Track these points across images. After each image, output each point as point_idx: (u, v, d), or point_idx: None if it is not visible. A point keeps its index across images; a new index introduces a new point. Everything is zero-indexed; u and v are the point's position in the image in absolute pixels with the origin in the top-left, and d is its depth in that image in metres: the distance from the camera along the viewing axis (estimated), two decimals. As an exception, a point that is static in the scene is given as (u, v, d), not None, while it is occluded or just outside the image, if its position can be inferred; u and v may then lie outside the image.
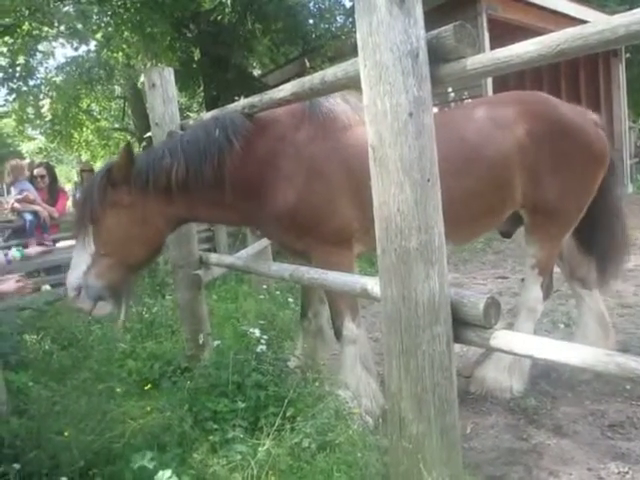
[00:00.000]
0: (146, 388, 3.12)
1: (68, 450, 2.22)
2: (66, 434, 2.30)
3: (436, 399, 1.84)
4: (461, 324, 1.91)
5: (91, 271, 2.78)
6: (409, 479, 1.87)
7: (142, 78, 9.96)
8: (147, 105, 3.73)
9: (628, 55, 15.45)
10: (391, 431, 1.93)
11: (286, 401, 2.44)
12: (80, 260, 2.81)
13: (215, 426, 2.47)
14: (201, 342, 3.37)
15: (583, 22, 9.19)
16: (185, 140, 2.89)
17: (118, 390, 2.98)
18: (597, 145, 3.25)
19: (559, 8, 10.59)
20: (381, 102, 1.76)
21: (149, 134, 3.67)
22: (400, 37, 1.72)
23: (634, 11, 1.41)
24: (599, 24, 1.49)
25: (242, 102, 2.98)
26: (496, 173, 3.04)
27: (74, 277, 2.80)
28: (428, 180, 1.78)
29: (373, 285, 2.11)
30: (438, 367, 1.83)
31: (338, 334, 3.07)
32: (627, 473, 2.51)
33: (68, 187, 13.94)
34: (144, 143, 14.06)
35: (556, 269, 3.64)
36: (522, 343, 1.79)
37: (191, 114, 15.66)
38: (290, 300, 4.84)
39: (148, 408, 2.71)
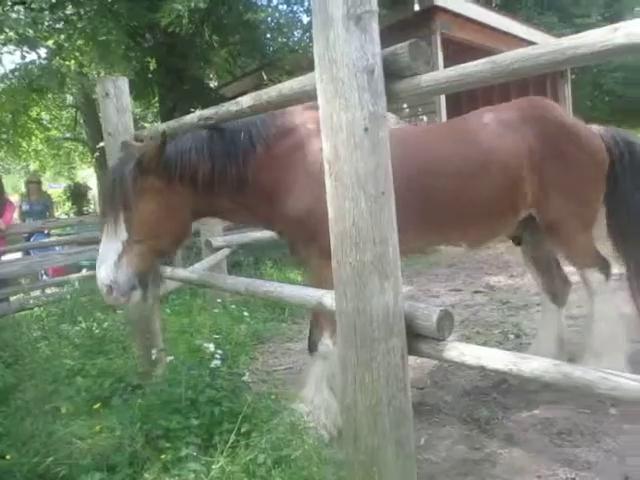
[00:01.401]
0: (95, 407, 3.01)
1: (11, 474, 2.13)
2: (8, 457, 2.21)
3: (391, 411, 1.85)
4: (415, 336, 1.93)
5: (122, 260, 2.71)
6: (365, 492, 1.87)
7: (96, 87, 9.79)
8: (100, 115, 3.67)
9: (574, 76, 16.06)
10: (346, 444, 1.93)
11: (241, 417, 2.41)
12: (109, 250, 2.73)
13: (167, 444, 2.42)
14: (154, 358, 3.30)
15: (532, 43, 9.57)
16: (211, 138, 2.94)
17: (65, 409, 2.88)
18: (598, 148, 3.34)
19: (510, 29, 10.96)
20: (337, 117, 1.78)
21: (102, 144, 3.61)
22: (356, 53, 1.74)
23: (581, 34, 1.47)
24: (549, 46, 1.54)
25: (198, 114, 2.96)
26: (508, 175, 3.12)
27: (107, 270, 2.70)
28: (383, 193, 1.80)
29: (328, 298, 2.12)
30: (393, 379, 1.85)
31: (313, 347, 3.08)
32: (574, 479, 2.57)
33: (15, 198, 13.53)
34: (97, 153, 13.79)
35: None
36: (474, 355, 1.82)
37: (146, 124, 15.45)
38: (245, 314, 4.80)
39: (97, 427, 2.63)
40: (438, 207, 3.05)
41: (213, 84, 14.33)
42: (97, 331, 4.30)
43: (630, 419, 3.07)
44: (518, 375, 1.72)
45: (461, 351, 1.85)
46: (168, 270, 3.57)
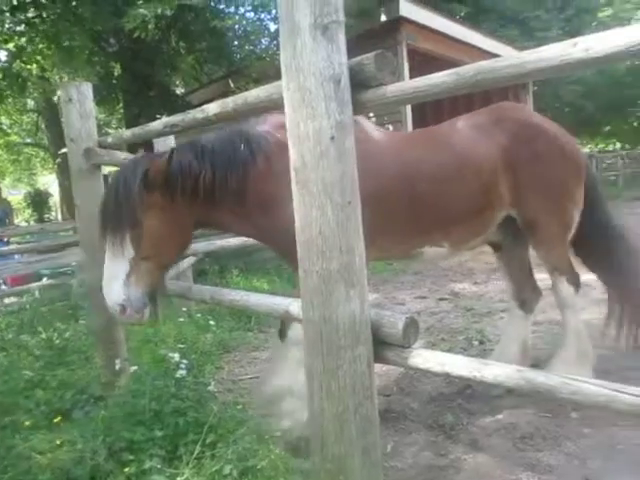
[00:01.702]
0: (56, 420, 2.94)
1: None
2: (-37, 474, 2.14)
3: (357, 419, 1.86)
4: (381, 344, 1.94)
5: (131, 278, 2.68)
6: (331, 501, 1.87)
7: (58, 92, 9.62)
8: (63, 120, 3.61)
9: (535, 88, 16.46)
10: (313, 453, 1.93)
11: (206, 427, 2.38)
12: (117, 269, 2.68)
13: (131, 457, 2.36)
14: (117, 368, 3.23)
15: (495, 55, 9.75)
16: (212, 148, 2.90)
17: (25, 423, 2.80)
18: (574, 150, 3.49)
19: (473, 41, 11.18)
20: (304, 125, 1.79)
21: (64, 150, 3.55)
22: (323, 62, 1.75)
23: (542, 48, 1.51)
24: (511, 59, 1.58)
25: (164, 120, 2.93)
26: (482, 175, 3.23)
27: (118, 289, 2.66)
28: (349, 202, 1.81)
29: (295, 307, 2.12)
30: (359, 387, 1.85)
31: (283, 335, 3.06)
32: (537, 483, 2.62)
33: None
34: (58, 160, 13.54)
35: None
36: (439, 361, 1.84)
37: (110, 130, 15.24)
38: (211, 323, 4.76)
39: (58, 441, 2.55)
40: (422, 208, 3.15)
41: (179, 91, 14.24)
42: (58, 341, 4.19)
43: (590, 423, 3.14)
44: (482, 381, 1.75)
45: (426, 358, 1.87)
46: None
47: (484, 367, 1.75)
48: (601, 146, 37.52)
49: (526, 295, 3.81)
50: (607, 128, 32.67)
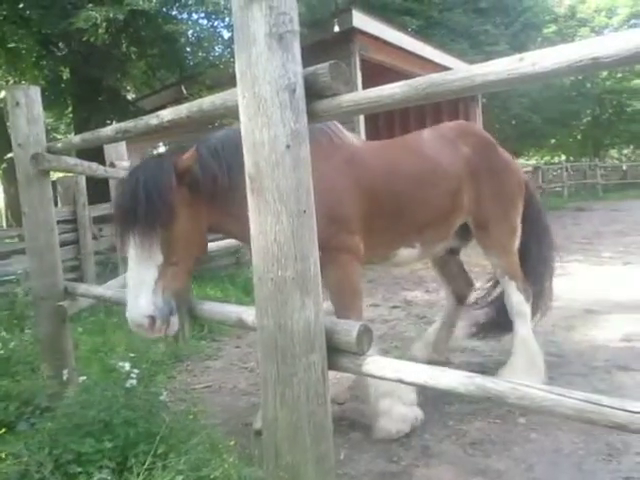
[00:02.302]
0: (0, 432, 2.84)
1: None
2: None
3: (311, 427, 1.86)
4: (335, 351, 1.95)
5: (159, 286, 2.43)
6: (285, 509, 1.86)
7: (3, 95, 9.33)
8: (9, 124, 3.50)
9: (484, 100, 16.91)
10: (267, 461, 1.92)
11: (158, 437, 2.33)
12: (144, 276, 2.44)
13: (79, 469, 2.29)
14: (65, 379, 3.14)
15: (445, 68, 10.02)
16: (224, 149, 2.82)
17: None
18: (517, 168, 4.05)
19: (425, 54, 11.40)
20: (259, 133, 1.79)
21: (10, 155, 3.45)
22: (278, 71, 1.76)
23: (490, 62, 1.56)
24: (460, 72, 1.62)
25: (115, 127, 2.89)
26: (451, 181, 3.57)
27: (147, 300, 2.40)
28: (304, 211, 1.82)
29: (249, 315, 2.11)
30: (313, 395, 1.86)
31: None
32: (486, 488, 2.67)
33: None
34: (4, 165, 13.11)
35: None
36: (393, 368, 1.86)
37: (58, 135, 14.86)
38: (163, 331, 4.68)
39: (2, 454, 2.46)
40: (403, 210, 3.37)
41: (130, 96, 14.01)
42: (2, 352, 4.05)
43: (537, 428, 3.23)
44: (435, 387, 1.78)
45: (380, 365, 1.89)
46: (82, 287, 3.44)
47: (437, 374, 1.78)
48: (547, 158, 38.80)
49: (463, 291, 4.37)
50: (553, 141, 33.85)
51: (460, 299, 4.36)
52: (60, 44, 10.26)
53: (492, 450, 3.03)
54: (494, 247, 3.78)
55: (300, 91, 1.81)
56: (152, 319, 2.42)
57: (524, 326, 3.75)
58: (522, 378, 3.34)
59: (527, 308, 3.80)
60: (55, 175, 9.47)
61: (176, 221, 2.50)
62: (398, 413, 3.21)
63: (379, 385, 3.10)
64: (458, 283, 4.36)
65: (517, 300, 3.76)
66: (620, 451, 2.91)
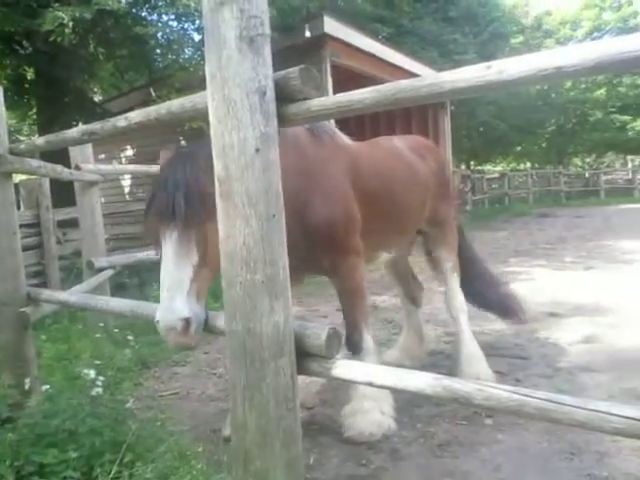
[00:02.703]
0: (-43, 446, 2.74)
1: None
2: None
3: (281, 432, 1.85)
4: (304, 355, 1.95)
5: (194, 287, 2.26)
6: (254, 515, 1.85)
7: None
8: (-30, 125, 3.40)
9: (453, 107, 17.14)
10: (236, 467, 1.90)
11: (124, 446, 2.30)
12: (182, 276, 2.26)
13: (42, 481, 2.25)
14: (27, 388, 3.05)
15: (415, 75, 10.12)
16: None
17: None
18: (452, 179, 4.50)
19: (395, 61, 11.52)
20: (229, 136, 1.78)
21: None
22: (248, 74, 1.76)
23: (458, 70, 1.59)
24: (429, 79, 1.64)
25: (81, 128, 2.84)
26: (423, 191, 3.83)
27: (182, 302, 2.21)
28: (274, 215, 1.82)
29: (218, 319, 2.10)
30: (282, 399, 1.85)
31: (356, 348, 3.18)
32: (455, 490, 2.70)
33: None
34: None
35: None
36: (361, 371, 1.87)
37: (21, 137, 14.57)
38: (130, 338, 4.59)
39: (-39, 469, 2.39)
40: (392, 213, 3.51)
41: (97, 98, 13.80)
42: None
43: (503, 429, 3.28)
44: (403, 390, 1.79)
45: (349, 368, 1.90)
46: (46, 293, 3.37)
47: (405, 376, 1.79)
48: (513, 165, 39.51)
49: (414, 293, 4.54)
50: (519, 148, 34.49)
51: (413, 300, 4.53)
52: (24, 43, 10.04)
53: (460, 451, 3.07)
54: (447, 244, 4.15)
55: (270, 94, 1.81)
56: (187, 322, 2.19)
57: (466, 321, 4.10)
58: (478, 366, 3.87)
59: (466, 305, 4.19)
60: (18, 177, 9.26)
61: (214, 219, 2.46)
62: (375, 417, 3.24)
63: (366, 387, 3.12)
64: (410, 285, 4.54)
65: (461, 297, 4.13)
66: (582, 449, 2.98)
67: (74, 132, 2.89)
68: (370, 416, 3.22)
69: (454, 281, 4.12)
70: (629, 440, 2.92)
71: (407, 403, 3.63)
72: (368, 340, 3.23)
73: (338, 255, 3.11)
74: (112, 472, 2.14)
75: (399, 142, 4.02)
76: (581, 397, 1.57)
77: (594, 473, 2.74)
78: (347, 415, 3.29)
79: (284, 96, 1.87)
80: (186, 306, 2.21)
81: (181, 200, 2.30)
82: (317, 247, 3.04)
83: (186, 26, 10.62)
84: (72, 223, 6.75)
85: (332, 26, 9.59)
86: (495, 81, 1.51)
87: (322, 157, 3.12)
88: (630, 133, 29.98)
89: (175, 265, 2.28)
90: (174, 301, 2.22)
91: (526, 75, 1.46)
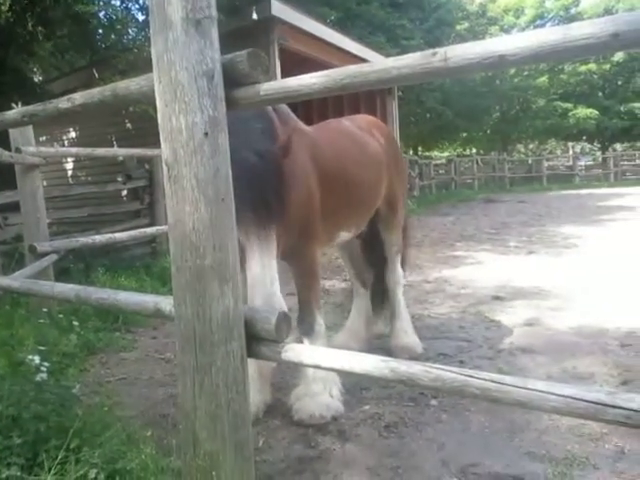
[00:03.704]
0: None
1: None
2: None
3: (230, 415, 1.87)
4: (254, 339, 1.97)
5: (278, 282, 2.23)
6: (203, 497, 1.86)
7: None
8: None
9: (400, 94, 17.31)
10: (185, 451, 1.91)
11: (70, 432, 2.26)
12: (273, 272, 2.32)
13: (-16, 467, 2.20)
14: (-33, 374, 2.98)
15: (363, 60, 10.18)
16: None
17: None
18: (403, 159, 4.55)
19: (343, 45, 11.51)
20: (176, 120, 1.77)
21: None
22: (196, 57, 1.74)
23: (405, 56, 1.62)
24: (377, 65, 1.67)
25: (22, 110, 2.75)
26: (379, 167, 3.88)
27: (280, 298, 2.26)
28: (222, 199, 1.82)
29: (166, 304, 2.09)
30: (232, 383, 1.86)
31: (308, 330, 3.22)
32: (399, 468, 2.77)
33: None
34: None
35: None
36: (310, 355, 1.90)
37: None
38: (75, 323, 4.51)
39: None
40: (348, 194, 3.50)
41: (37, 78, 13.29)
42: None
43: (448, 409, 3.38)
44: (351, 372, 1.83)
45: (298, 352, 1.92)
46: (-15, 278, 3.26)
47: (352, 359, 1.83)
48: (459, 150, 40.27)
49: (365, 277, 4.59)
50: (464, 134, 35.17)
51: (363, 283, 4.58)
52: (-43, 19, 9.57)
53: (406, 432, 3.15)
54: (396, 227, 4.28)
55: (218, 78, 1.80)
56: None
57: (401, 294, 4.37)
58: (410, 336, 4.22)
59: (404, 281, 4.47)
60: (-47, 159, 8.86)
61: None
62: (324, 400, 3.29)
63: (315, 371, 3.18)
64: (361, 267, 4.61)
65: (400, 272, 4.35)
66: (522, 428, 3.10)
67: (14, 114, 2.80)
68: (319, 399, 3.26)
69: (396, 259, 4.30)
70: (566, 419, 3.06)
71: (355, 386, 3.70)
72: (320, 323, 3.29)
73: (301, 239, 3.14)
74: (58, 458, 2.11)
75: (348, 122, 4.04)
76: (522, 377, 1.64)
77: (533, 451, 2.85)
78: (296, 398, 3.33)
79: (232, 80, 1.87)
80: (283, 304, 2.33)
81: (266, 185, 2.38)
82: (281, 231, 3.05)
83: (130, 5, 10.34)
84: (13, 207, 6.52)
85: (280, 9, 9.50)
86: (440, 68, 1.55)
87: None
88: (571, 120, 30.93)
89: (264, 260, 2.34)
90: (274, 298, 2.35)
91: (470, 63, 1.50)
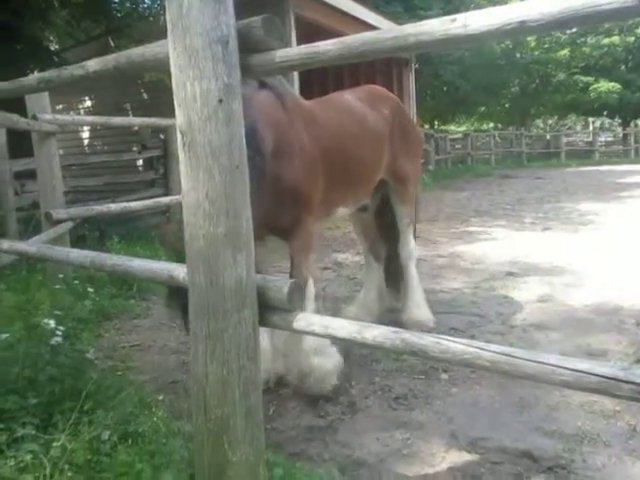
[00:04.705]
0: None
1: None
2: None
3: (241, 382, 1.88)
4: (266, 308, 1.97)
5: None
6: (214, 461, 1.89)
7: None
8: None
9: (417, 66, 17.04)
10: (196, 415, 1.93)
11: (84, 394, 2.31)
12: None
13: (1, 425, 2.25)
14: (-15, 336, 3.04)
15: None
16: None
17: None
18: (418, 129, 4.49)
19: (359, 15, 11.31)
20: (191, 87, 1.75)
21: None
22: (210, 23, 1.71)
23: (423, 22, 1.58)
24: (393, 31, 1.64)
25: (38, 75, 2.76)
26: (378, 139, 3.84)
27: None
28: (237, 167, 1.81)
29: (180, 272, 2.10)
30: (244, 350, 1.88)
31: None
32: (409, 439, 2.80)
33: None
34: None
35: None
36: (322, 324, 1.91)
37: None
38: (90, 290, 4.56)
39: None
40: (346, 168, 3.51)
41: (54, 47, 13.25)
42: None
43: (457, 383, 3.39)
44: (362, 343, 1.84)
45: (310, 321, 1.93)
46: (6, 243, 3.30)
47: (364, 329, 1.83)
48: (476, 125, 39.73)
49: (378, 249, 4.57)
50: (482, 109, 34.62)
51: (377, 257, 4.57)
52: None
53: (415, 404, 3.17)
54: (408, 200, 4.25)
55: (233, 44, 1.78)
56: None
57: (415, 268, 4.37)
58: (423, 310, 4.24)
59: (416, 253, 4.44)
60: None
61: None
62: (328, 367, 3.31)
63: (309, 342, 3.21)
64: (374, 241, 4.59)
65: (413, 245, 4.35)
66: (531, 404, 3.11)
67: (30, 79, 2.81)
68: (325, 368, 3.29)
69: (408, 232, 4.29)
70: (577, 395, 3.06)
71: (365, 358, 3.72)
72: (311, 289, 3.28)
73: (296, 213, 3.14)
74: (72, 419, 2.16)
75: (349, 95, 3.98)
76: (533, 351, 1.63)
77: (542, 426, 2.86)
78: (302, 375, 3.32)
79: (247, 46, 1.84)
80: None
81: None
82: (282, 207, 3.06)
83: (145, -27, 10.24)
84: (30, 174, 6.57)
85: (295, -24, 9.32)
86: (459, 35, 1.51)
87: (289, 120, 3.12)
88: (592, 94, 30.22)
89: None
90: None
91: (490, 29, 1.46)
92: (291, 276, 3.22)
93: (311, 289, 3.29)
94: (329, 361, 3.33)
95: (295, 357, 3.30)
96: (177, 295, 2.40)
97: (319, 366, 3.27)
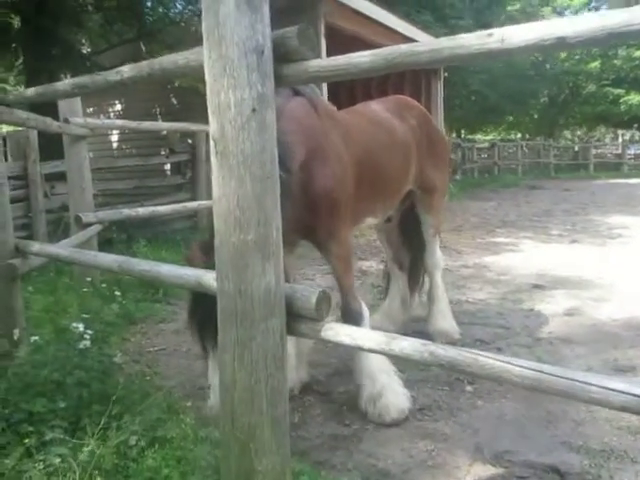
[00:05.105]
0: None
1: None
2: None
3: (269, 390, 1.89)
4: (294, 317, 1.97)
5: None
6: (240, 468, 1.89)
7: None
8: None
9: (446, 75, 16.97)
10: (223, 423, 1.94)
11: (112, 399, 2.33)
12: None
13: (30, 428, 2.27)
14: (16, 338, 3.08)
15: (409, 39, 9.95)
16: None
17: None
18: (443, 135, 4.50)
19: (390, 24, 11.30)
20: (225, 95, 1.76)
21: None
22: (246, 32, 1.73)
23: (459, 36, 1.57)
24: (429, 44, 1.63)
25: (72, 81, 2.79)
26: (406, 150, 3.81)
27: None
28: (268, 177, 1.81)
29: (209, 278, 2.11)
30: (271, 359, 1.88)
31: (359, 316, 3.11)
32: (433, 450, 2.77)
33: None
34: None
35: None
36: (350, 335, 1.90)
37: (8, 87, 14.26)
38: (117, 293, 4.62)
39: (-49, 414, 2.42)
40: (376, 179, 3.49)
41: (86, 50, 13.49)
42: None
43: (483, 396, 3.35)
44: (390, 354, 1.83)
45: (337, 331, 1.92)
46: (36, 245, 3.36)
47: (392, 341, 1.82)
48: (503, 135, 39.40)
49: (401, 258, 4.55)
50: (510, 118, 34.33)
51: (401, 266, 4.55)
52: (10, -11, 9.76)
53: (440, 415, 3.14)
54: (434, 210, 4.23)
55: (268, 54, 1.79)
56: None
57: (441, 278, 4.35)
58: (448, 320, 4.21)
59: (443, 264, 4.46)
60: (5, 128, 9.08)
61: None
62: (399, 390, 3.18)
63: (373, 361, 3.12)
64: (399, 250, 4.56)
65: (440, 255, 4.36)
66: (558, 418, 3.06)
67: (65, 84, 2.85)
68: (396, 389, 3.18)
69: (434, 242, 4.27)
70: (604, 411, 3.00)
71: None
72: (365, 309, 3.20)
73: (336, 223, 3.10)
74: (101, 423, 2.18)
75: (376, 105, 3.96)
76: (561, 367, 1.61)
77: (569, 441, 2.81)
78: (370, 398, 3.15)
79: (281, 56, 1.84)
80: None
81: None
82: (317, 215, 3.00)
83: (177, -22, 10.37)
84: (60, 177, 6.68)
85: (326, -15, 9.35)
86: (496, 49, 1.50)
87: (323, 127, 3.09)
88: (622, 107, 29.82)
89: None
90: None
91: (527, 44, 1.45)
92: (343, 302, 3.15)
93: (366, 311, 3.20)
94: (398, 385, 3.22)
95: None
96: (197, 310, 2.41)
97: (390, 385, 3.16)
